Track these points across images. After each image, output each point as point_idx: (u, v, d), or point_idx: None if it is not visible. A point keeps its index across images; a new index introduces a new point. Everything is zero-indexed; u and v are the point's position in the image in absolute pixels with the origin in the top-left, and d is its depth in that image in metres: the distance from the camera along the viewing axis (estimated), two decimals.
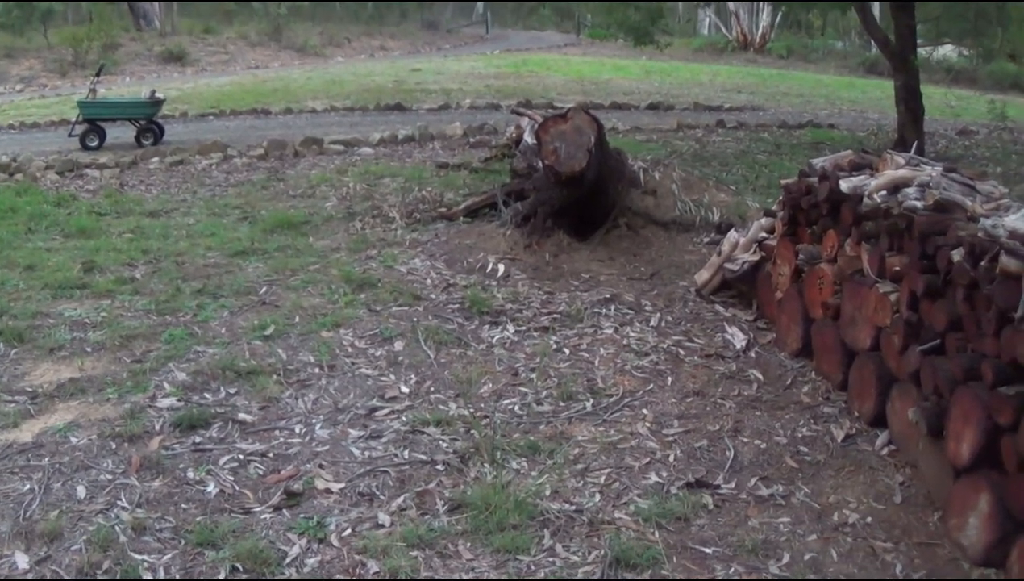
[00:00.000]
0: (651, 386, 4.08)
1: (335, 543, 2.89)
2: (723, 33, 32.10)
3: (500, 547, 2.85)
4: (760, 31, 29.81)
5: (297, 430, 3.63)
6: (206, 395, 3.90)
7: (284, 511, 3.06)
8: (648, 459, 3.45)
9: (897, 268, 3.55)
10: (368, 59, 26.06)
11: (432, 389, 4.01)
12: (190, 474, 3.28)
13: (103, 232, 6.47)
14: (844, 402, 3.89)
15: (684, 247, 6.04)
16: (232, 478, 3.26)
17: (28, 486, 3.17)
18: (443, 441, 3.53)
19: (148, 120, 10.47)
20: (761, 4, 28.12)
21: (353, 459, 3.41)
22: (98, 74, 11.27)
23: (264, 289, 5.23)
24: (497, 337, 4.61)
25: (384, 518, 3.02)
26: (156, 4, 26.11)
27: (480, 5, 42.70)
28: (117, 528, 2.91)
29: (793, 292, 4.44)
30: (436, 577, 2.74)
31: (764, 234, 4.99)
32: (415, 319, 4.77)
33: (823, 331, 4.13)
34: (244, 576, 2.72)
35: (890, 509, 3.13)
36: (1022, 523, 2.71)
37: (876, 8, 14.53)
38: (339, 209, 7.15)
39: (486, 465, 3.32)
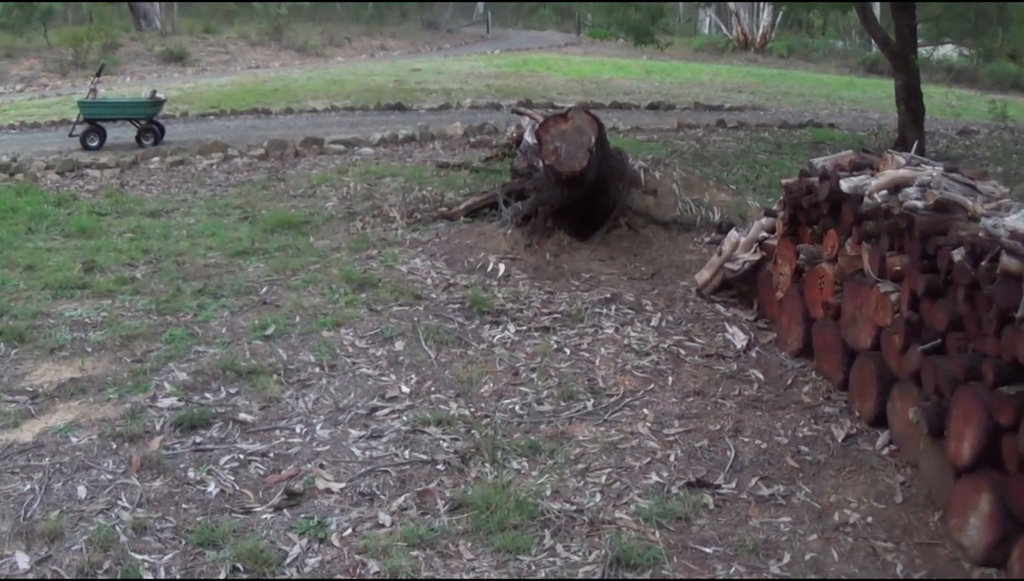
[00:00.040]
0: (652, 386, 4.08)
1: (336, 543, 2.89)
2: (724, 33, 32.11)
3: (501, 547, 2.85)
4: (761, 31, 29.82)
5: (298, 430, 3.63)
6: (207, 395, 3.90)
7: (285, 511, 3.06)
8: (649, 459, 3.45)
9: (898, 268, 3.55)
10: (368, 59, 26.06)
11: (433, 389, 4.01)
12: (191, 474, 3.28)
13: (104, 232, 6.48)
14: (845, 402, 3.89)
15: (685, 247, 6.04)
16: (233, 478, 3.26)
17: (29, 486, 3.17)
18: (444, 441, 3.53)
19: (149, 120, 10.47)
20: (762, 4, 28.12)
21: (354, 459, 3.41)
22: (99, 74, 11.27)
23: (265, 289, 5.23)
24: (498, 337, 4.61)
25: (385, 518, 3.02)
26: (156, 4, 26.13)
27: (480, 5, 42.72)
28: (118, 528, 2.91)
29: (794, 292, 4.44)
30: (437, 577, 2.74)
31: (765, 234, 4.99)
32: (416, 319, 4.77)
33: (824, 331, 4.13)
34: (245, 576, 2.72)
35: (891, 509, 3.13)
36: (1023, 523, 2.71)
37: (877, 8, 14.53)
38: (340, 209, 7.15)
39: (487, 465, 3.32)
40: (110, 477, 3.24)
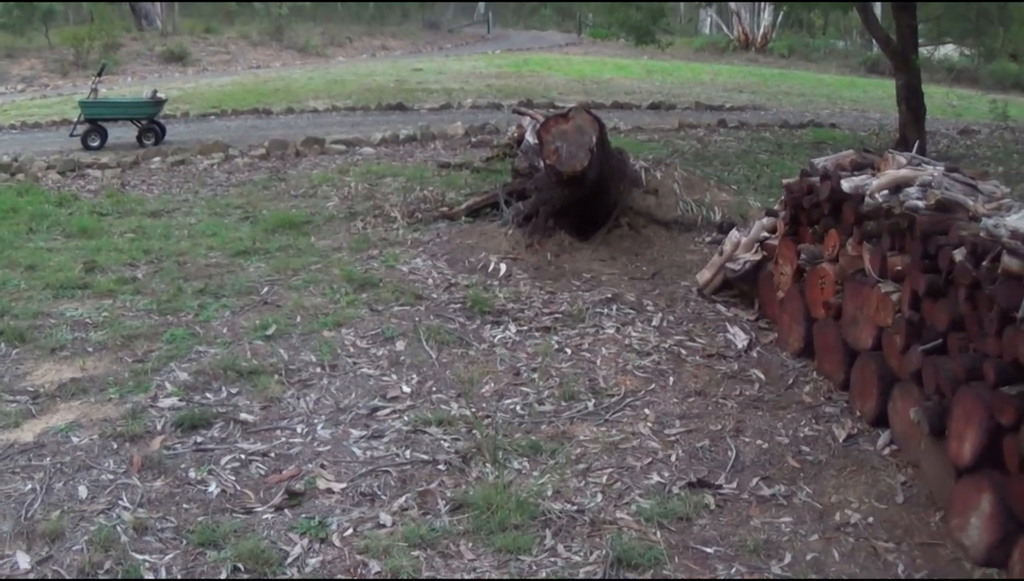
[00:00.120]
0: (653, 386, 4.08)
1: (337, 543, 2.89)
2: (725, 32, 32.11)
3: (502, 547, 2.85)
4: (762, 30, 29.82)
5: (299, 430, 3.63)
6: (207, 395, 3.90)
7: (286, 511, 3.06)
8: (650, 459, 3.44)
9: (899, 268, 3.55)
10: (369, 59, 26.07)
11: (434, 389, 4.01)
12: (192, 474, 3.28)
13: (104, 232, 6.48)
14: (846, 402, 3.89)
15: (686, 247, 6.03)
16: (234, 478, 3.26)
17: (30, 486, 3.17)
18: (445, 441, 3.53)
19: (150, 120, 10.48)
20: (762, 4, 28.12)
21: (355, 459, 3.41)
22: (99, 74, 11.28)
23: (266, 289, 5.23)
24: (499, 337, 4.61)
25: (386, 518, 3.02)
26: (157, 4, 26.15)
27: (481, 5, 42.74)
28: (119, 528, 2.92)
29: (795, 292, 4.43)
30: (438, 577, 2.74)
31: (766, 234, 4.99)
32: (417, 319, 4.77)
33: (825, 331, 4.12)
34: (245, 576, 2.72)
35: (892, 509, 3.13)
36: None
37: (878, 8, 14.53)
38: (341, 209, 7.15)
39: (488, 465, 3.32)
40: (111, 477, 3.24)
